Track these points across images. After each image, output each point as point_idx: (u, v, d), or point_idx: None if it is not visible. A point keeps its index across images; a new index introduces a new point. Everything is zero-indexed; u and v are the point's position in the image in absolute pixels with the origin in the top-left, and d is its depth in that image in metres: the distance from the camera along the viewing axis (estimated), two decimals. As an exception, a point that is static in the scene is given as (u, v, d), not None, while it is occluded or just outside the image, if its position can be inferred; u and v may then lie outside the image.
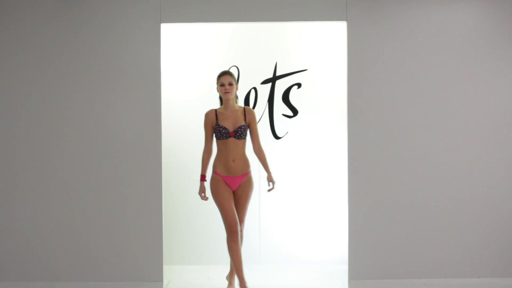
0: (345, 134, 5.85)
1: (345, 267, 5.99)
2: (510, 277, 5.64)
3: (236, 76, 5.32)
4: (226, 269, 5.90)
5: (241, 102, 6.56)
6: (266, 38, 6.48)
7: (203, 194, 5.30)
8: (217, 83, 5.27)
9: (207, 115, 5.29)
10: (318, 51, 6.49)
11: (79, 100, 5.65)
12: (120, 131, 5.64)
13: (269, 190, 5.34)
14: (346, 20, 5.62)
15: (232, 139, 5.20)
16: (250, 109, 5.32)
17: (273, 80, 6.50)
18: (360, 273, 5.62)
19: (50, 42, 5.64)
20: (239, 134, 5.20)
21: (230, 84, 5.23)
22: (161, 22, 5.64)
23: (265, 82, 6.47)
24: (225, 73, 5.28)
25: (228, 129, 5.21)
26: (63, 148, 5.65)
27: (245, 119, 5.27)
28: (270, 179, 5.33)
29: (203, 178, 5.28)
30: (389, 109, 5.64)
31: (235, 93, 5.32)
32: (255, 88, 6.47)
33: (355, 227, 5.63)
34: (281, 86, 6.50)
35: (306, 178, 6.50)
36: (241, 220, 5.29)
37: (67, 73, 5.65)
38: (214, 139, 5.29)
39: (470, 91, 5.65)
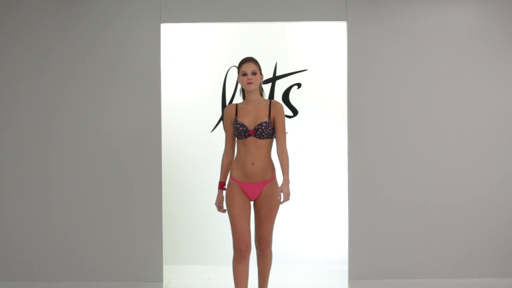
0: (345, 134, 5.85)
1: (345, 267, 5.98)
2: (510, 277, 5.64)
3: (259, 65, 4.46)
4: (226, 269, 5.89)
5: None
6: (266, 38, 6.48)
7: (220, 205, 4.47)
8: (238, 72, 4.45)
9: (226, 110, 4.49)
10: (318, 51, 6.49)
11: (78, 101, 5.64)
12: (120, 132, 5.64)
13: (280, 202, 4.37)
14: (346, 20, 5.62)
15: (251, 139, 4.37)
16: (277, 102, 4.43)
17: (273, 80, 6.50)
18: (360, 273, 5.62)
19: (49, 42, 5.64)
20: (259, 132, 4.35)
21: (254, 73, 4.39)
22: (161, 22, 5.63)
23: (265, 82, 6.47)
24: (248, 60, 4.44)
25: (247, 126, 4.38)
26: (63, 149, 5.64)
27: (269, 115, 4.39)
28: (282, 188, 4.32)
29: (221, 185, 4.48)
30: (389, 109, 5.64)
31: (260, 83, 4.49)
32: (255, 88, 6.47)
33: (355, 227, 5.62)
34: (281, 86, 6.50)
35: (306, 178, 6.49)
36: (264, 238, 4.41)
37: (66, 73, 5.64)
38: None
39: (470, 91, 5.65)
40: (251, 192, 4.39)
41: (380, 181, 5.62)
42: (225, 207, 4.45)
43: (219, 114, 6.49)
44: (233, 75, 6.48)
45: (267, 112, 4.39)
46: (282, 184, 4.34)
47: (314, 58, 6.49)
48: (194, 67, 6.50)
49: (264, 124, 4.35)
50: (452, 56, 5.64)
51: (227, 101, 6.48)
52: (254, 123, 4.38)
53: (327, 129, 6.47)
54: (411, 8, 5.64)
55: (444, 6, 5.65)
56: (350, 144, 5.62)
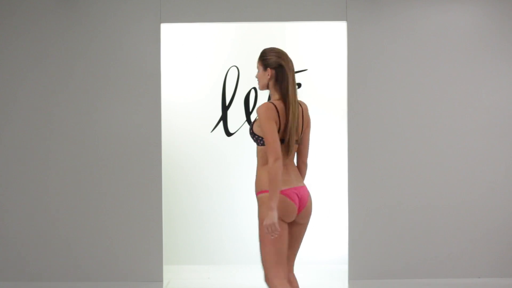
0: (345, 134, 5.85)
1: (345, 267, 5.98)
2: (510, 277, 5.64)
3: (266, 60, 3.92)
4: (226, 269, 5.90)
5: (240, 102, 6.53)
6: (266, 38, 6.48)
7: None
8: None
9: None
10: (318, 51, 6.49)
11: (77, 101, 5.64)
12: (120, 132, 5.63)
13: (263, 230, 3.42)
14: (346, 20, 5.61)
15: None
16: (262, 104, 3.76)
17: (273, 80, 6.49)
18: (360, 273, 5.62)
19: (48, 42, 5.63)
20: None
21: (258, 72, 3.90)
22: (161, 22, 5.63)
23: (265, 82, 6.47)
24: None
25: None
26: (62, 149, 5.64)
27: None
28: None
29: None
30: (389, 109, 5.64)
31: (268, 79, 3.97)
32: (255, 88, 6.46)
33: (355, 227, 5.62)
34: (281, 86, 6.49)
35: (306, 178, 6.48)
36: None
37: (65, 73, 5.64)
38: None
39: (470, 91, 5.65)
40: None
41: (380, 181, 5.62)
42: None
43: (219, 114, 6.49)
44: (233, 75, 6.47)
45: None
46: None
47: (314, 58, 6.48)
48: (194, 67, 6.50)
49: (249, 126, 3.77)
50: (452, 56, 5.64)
51: (227, 101, 6.47)
52: None
53: (327, 129, 6.47)
54: (411, 8, 5.64)
55: (444, 6, 5.64)
56: (350, 144, 5.62)
